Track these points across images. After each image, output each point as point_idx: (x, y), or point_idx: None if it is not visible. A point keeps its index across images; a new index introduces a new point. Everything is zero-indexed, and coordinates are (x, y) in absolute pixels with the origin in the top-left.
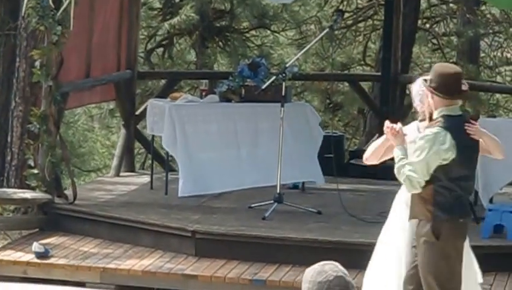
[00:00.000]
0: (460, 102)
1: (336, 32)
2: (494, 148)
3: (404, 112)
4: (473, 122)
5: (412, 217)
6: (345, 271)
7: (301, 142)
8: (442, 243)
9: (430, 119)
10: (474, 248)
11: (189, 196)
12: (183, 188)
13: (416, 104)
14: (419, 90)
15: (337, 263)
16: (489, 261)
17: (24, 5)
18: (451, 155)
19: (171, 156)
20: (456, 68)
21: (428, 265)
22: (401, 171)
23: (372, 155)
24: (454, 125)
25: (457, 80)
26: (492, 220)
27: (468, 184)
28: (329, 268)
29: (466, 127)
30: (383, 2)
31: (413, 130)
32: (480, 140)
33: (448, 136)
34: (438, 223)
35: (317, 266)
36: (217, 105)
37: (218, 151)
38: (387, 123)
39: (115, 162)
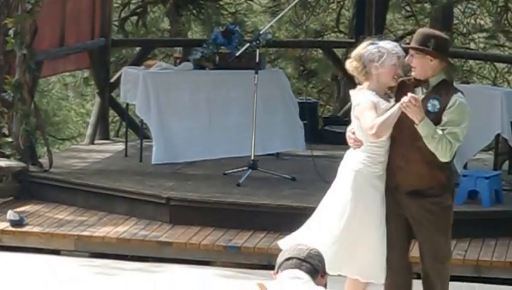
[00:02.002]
0: None
1: None
2: None
3: None
4: None
5: (416, 185)
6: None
7: (276, 109)
8: (451, 206)
9: (419, 82)
10: None
11: (162, 163)
12: (156, 155)
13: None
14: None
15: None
16: (464, 227)
17: None
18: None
19: (146, 124)
20: None
21: (442, 229)
22: (444, 141)
23: (387, 130)
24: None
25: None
26: (466, 186)
27: None
28: (307, 245)
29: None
30: None
31: (369, 96)
32: None
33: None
34: (453, 188)
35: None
36: (191, 72)
37: (190, 120)
38: (408, 97)
39: (89, 130)
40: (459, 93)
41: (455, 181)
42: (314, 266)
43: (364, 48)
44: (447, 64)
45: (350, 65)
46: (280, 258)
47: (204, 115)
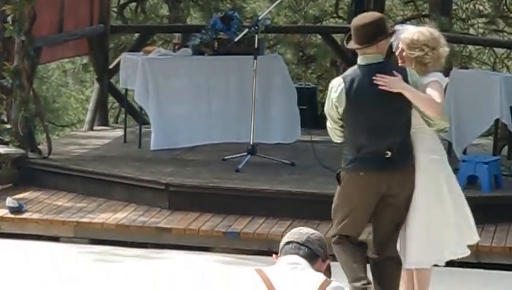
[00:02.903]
0: (374, 50)
1: None
2: (420, 105)
3: None
4: (394, 73)
5: None
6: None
7: (274, 95)
8: (342, 190)
9: None
10: None
11: (161, 149)
12: (155, 141)
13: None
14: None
15: None
16: None
17: None
18: (342, 104)
19: (145, 110)
20: (366, 18)
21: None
22: None
23: None
24: (358, 75)
25: (364, 30)
26: (466, 171)
27: (380, 136)
28: (310, 230)
29: (374, 78)
30: None
31: None
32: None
33: (342, 85)
34: (341, 172)
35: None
36: (189, 58)
37: (189, 106)
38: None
39: (88, 117)
40: (339, 77)
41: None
42: (313, 250)
43: None
44: (358, 50)
45: None
46: (282, 241)
47: (203, 100)
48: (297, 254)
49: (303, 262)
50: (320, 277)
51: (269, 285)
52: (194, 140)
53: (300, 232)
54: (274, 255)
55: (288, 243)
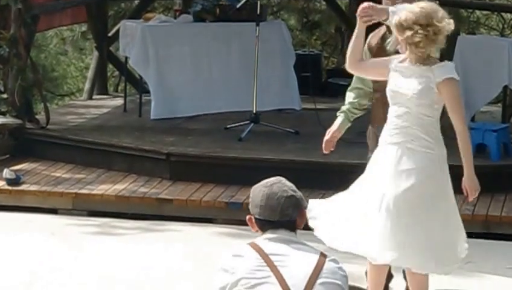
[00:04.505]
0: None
1: None
2: None
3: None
4: None
5: None
6: (293, 186)
7: (276, 63)
8: None
9: None
10: (457, 168)
11: (162, 118)
12: (155, 110)
13: None
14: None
15: (280, 178)
16: None
17: None
18: None
19: (144, 78)
20: None
21: None
22: None
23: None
24: None
25: None
26: (474, 139)
27: None
28: (278, 188)
29: None
30: None
31: None
32: None
33: None
34: None
35: (263, 188)
36: (190, 25)
37: (190, 73)
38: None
39: (87, 85)
40: None
41: None
42: (290, 219)
43: None
44: None
45: None
46: (255, 210)
47: (204, 68)
48: (277, 229)
49: (287, 235)
50: (316, 255)
51: (268, 260)
52: (196, 109)
53: (271, 205)
54: (248, 217)
55: (263, 220)
